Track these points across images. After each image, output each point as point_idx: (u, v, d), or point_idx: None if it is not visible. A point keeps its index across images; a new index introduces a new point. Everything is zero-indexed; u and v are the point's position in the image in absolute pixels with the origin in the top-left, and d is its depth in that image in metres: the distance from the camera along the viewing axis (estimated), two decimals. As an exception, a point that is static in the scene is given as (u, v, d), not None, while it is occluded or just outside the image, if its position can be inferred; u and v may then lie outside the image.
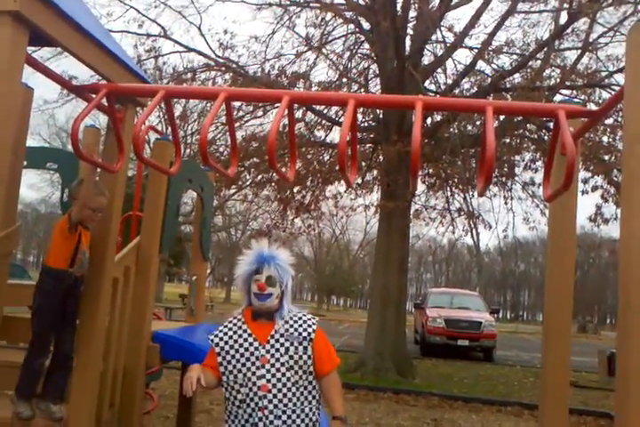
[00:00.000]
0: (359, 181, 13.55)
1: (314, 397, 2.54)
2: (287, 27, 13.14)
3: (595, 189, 11.30)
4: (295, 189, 12.89)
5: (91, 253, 3.16)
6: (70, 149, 2.78)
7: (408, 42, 12.20)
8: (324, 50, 13.10)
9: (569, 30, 11.46)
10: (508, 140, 12.00)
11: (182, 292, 29.74)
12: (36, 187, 34.86)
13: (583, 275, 63.72)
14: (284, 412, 2.44)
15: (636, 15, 10.16)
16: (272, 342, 2.52)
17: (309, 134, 13.13)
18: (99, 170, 3.12)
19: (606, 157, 10.73)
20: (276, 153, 10.81)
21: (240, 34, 32.10)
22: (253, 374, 2.47)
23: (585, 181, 11.26)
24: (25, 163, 4.38)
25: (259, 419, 2.42)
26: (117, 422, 3.86)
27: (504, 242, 15.97)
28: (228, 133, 9.97)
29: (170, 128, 3.15)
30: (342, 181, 11.85)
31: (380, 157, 13.04)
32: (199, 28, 13.78)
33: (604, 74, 11.60)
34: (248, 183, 13.41)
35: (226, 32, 13.05)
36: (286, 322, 2.58)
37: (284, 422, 2.43)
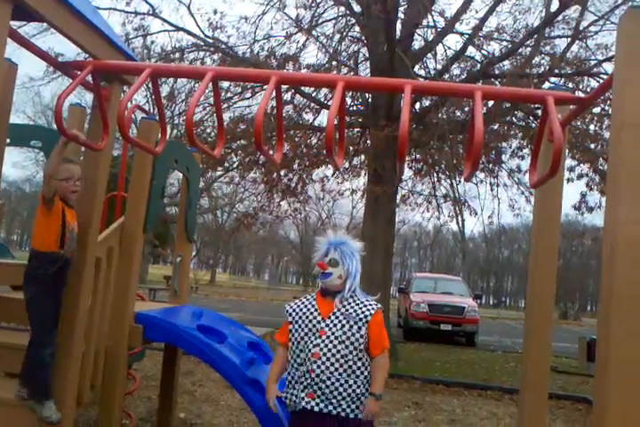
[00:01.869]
0: (346, 165, 13.54)
1: (362, 372, 2.87)
2: (277, 8, 12.99)
3: (580, 177, 11.37)
4: (282, 172, 12.84)
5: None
6: (55, 127, 2.72)
7: (399, 26, 12.11)
8: (314, 32, 12.97)
9: (559, 18, 11.44)
10: (495, 127, 12.02)
11: (167, 273, 29.68)
12: (21, 165, 34.61)
13: (565, 263, 64.38)
14: (328, 378, 2.82)
15: (626, 3, 10.15)
16: (332, 317, 2.92)
17: (297, 117, 13.05)
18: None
19: (592, 146, 10.78)
20: (264, 135, 10.77)
21: (230, 14, 31.79)
22: (311, 342, 2.89)
23: (571, 170, 11.33)
24: (8, 140, 4.32)
25: (305, 379, 2.86)
26: (99, 404, 3.86)
27: (489, 228, 16.05)
28: (215, 115, 9.90)
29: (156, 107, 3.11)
30: (329, 165, 11.84)
31: (368, 142, 13.01)
32: (188, 8, 13.58)
33: (592, 62, 11.61)
34: (235, 165, 13.34)
35: (215, 12, 12.85)
36: (348, 303, 2.97)
37: (327, 386, 2.81)
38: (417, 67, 12.48)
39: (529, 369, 2.71)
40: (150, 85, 3.42)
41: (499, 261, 78.63)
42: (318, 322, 2.93)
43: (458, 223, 13.77)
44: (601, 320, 2.00)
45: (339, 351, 2.84)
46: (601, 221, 2.17)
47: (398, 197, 13.06)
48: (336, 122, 2.76)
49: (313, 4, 12.54)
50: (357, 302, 2.98)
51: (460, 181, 12.45)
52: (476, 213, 12.89)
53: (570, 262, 66.21)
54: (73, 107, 4.92)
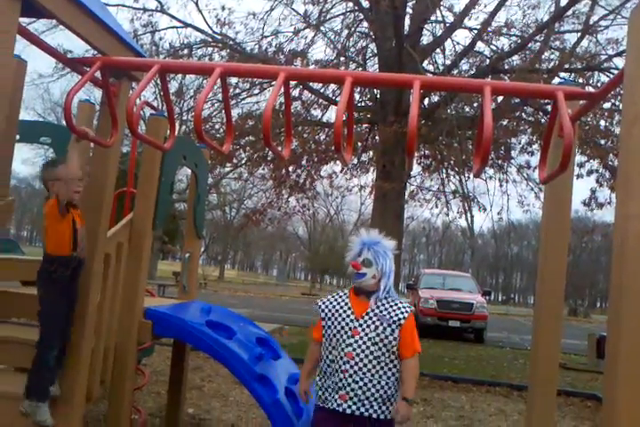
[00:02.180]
0: (355, 161, 13.53)
1: (393, 374, 2.89)
2: (285, 4, 12.99)
3: (590, 173, 11.32)
4: (290, 168, 12.85)
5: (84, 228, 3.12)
6: (64, 123, 2.73)
7: (407, 21, 12.08)
8: (322, 28, 12.96)
9: (569, 12, 11.37)
10: (505, 123, 11.97)
11: (176, 269, 29.80)
12: (31, 162, 34.70)
13: (575, 259, 64.11)
14: (361, 379, 2.83)
15: (637, -2, 10.06)
16: (366, 318, 2.91)
17: (306, 113, 13.05)
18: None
19: (603, 142, 10.72)
20: (272, 131, 10.78)
21: (238, 10, 31.81)
22: (344, 341, 2.89)
23: (580, 166, 11.28)
24: (18, 137, 4.34)
25: (339, 379, 2.86)
26: (108, 399, 3.88)
27: (498, 225, 16.05)
28: (223, 111, 9.89)
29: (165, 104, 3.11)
30: (338, 161, 11.83)
31: (377, 138, 12.99)
32: (196, 4, 13.61)
33: (603, 57, 11.54)
34: (243, 161, 13.36)
35: (223, 8, 12.86)
36: (382, 304, 2.96)
37: (360, 387, 2.83)
38: (425, 62, 12.46)
39: (538, 366, 2.70)
40: (159, 82, 3.42)
41: (507, 258, 78.42)
42: (352, 321, 2.92)
43: (467, 219, 13.74)
44: (611, 316, 1.99)
45: (372, 353, 2.86)
46: (611, 218, 2.16)
47: (407, 193, 13.04)
48: (344, 118, 2.76)
49: (321, 0, 12.52)
50: (391, 303, 2.98)
51: (468, 177, 12.42)
52: (485, 210, 12.87)
53: (579, 259, 65.94)
54: (82, 103, 4.93)
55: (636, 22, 2.01)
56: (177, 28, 13.54)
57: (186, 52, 12.92)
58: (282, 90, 2.59)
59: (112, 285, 3.63)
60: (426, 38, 12.86)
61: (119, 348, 3.73)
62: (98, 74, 2.90)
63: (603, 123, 10.90)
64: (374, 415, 2.84)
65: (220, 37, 12.96)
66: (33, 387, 2.94)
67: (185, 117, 14.41)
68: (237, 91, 12.84)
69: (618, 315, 1.92)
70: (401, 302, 3.01)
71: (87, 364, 3.16)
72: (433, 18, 12.31)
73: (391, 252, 3.05)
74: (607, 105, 10.61)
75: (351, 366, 2.84)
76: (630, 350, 1.87)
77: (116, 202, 4.24)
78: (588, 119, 11.00)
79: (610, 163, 10.69)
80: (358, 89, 12.90)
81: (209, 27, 13.01)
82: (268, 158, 12.46)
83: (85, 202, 3.14)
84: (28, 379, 2.96)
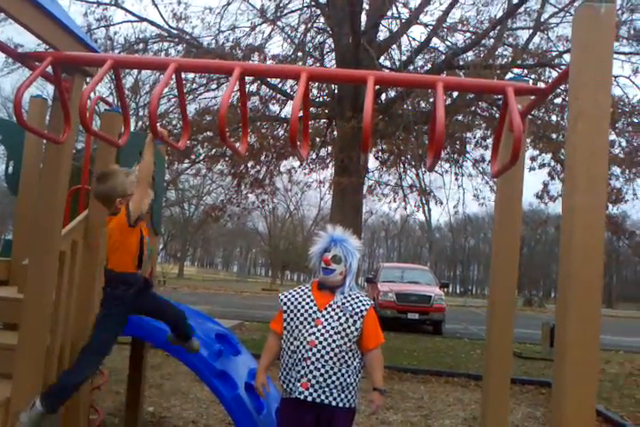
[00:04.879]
0: (314, 156, 13.56)
1: (352, 362, 2.96)
2: (242, -2, 12.89)
3: (542, 166, 11.60)
4: (249, 164, 12.81)
5: (37, 225, 3.07)
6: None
7: (364, 17, 12.14)
8: (279, 23, 12.92)
9: (521, 9, 11.61)
10: (460, 118, 12.15)
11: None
12: (-21, 159, 33.65)
13: (530, 251, 65.56)
14: (322, 366, 2.89)
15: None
16: (329, 309, 2.99)
17: (264, 108, 13.01)
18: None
19: (554, 136, 10.99)
20: (230, 127, 10.69)
21: (194, 4, 31.37)
22: (307, 331, 2.94)
23: (533, 159, 11.56)
24: (-34, 133, 4.23)
25: (302, 367, 2.90)
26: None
27: (454, 218, 16.30)
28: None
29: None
30: (296, 157, 11.83)
31: (335, 133, 13.04)
32: (151, -3, 13.38)
33: (554, 54, 11.81)
34: (201, 157, 13.24)
35: (179, 2, 12.68)
36: (345, 297, 3.03)
37: (322, 374, 2.88)
38: (382, 58, 12.55)
39: (492, 354, 2.77)
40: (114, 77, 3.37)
41: (465, 251, 79.79)
42: (314, 312, 2.98)
43: (424, 213, 13.95)
44: (559, 305, 2.06)
45: (334, 341, 2.91)
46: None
47: (365, 187, 13.14)
48: (301, 113, 2.77)
49: (278, -5, 12.48)
50: (353, 296, 3.05)
51: (425, 172, 12.58)
52: (442, 203, 13.06)
53: (534, 250, 67.49)
54: (34, 99, 4.83)
55: (579, 20, 2.09)
56: (132, 22, 13.29)
57: (141, 46, 12.70)
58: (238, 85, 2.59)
59: (67, 282, 3.57)
60: (382, 34, 12.95)
61: (75, 346, 3.67)
62: (49, 69, 2.84)
63: (554, 118, 11.17)
64: (334, 403, 2.89)
65: (176, 32, 12.79)
66: (51, 398, 2.87)
67: (141, 113, 14.21)
68: (195, 86, 12.72)
69: (565, 304, 1.99)
70: (362, 296, 3.09)
71: (41, 363, 3.10)
72: (389, 14, 12.39)
73: (357, 251, 3.11)
74: (558, 100, 10.88)
75: (313, 354, 2.89)
76: (577, 337, 1.94)
77: (70, 199, 4.17)
78: (541, 114, 11.27)
79: (561, 157, 10.96)
80: (316, 84, 12.93)
81: (165, 21, 12.83)
82: (227, 154, 12.39)
83: (38, 199, 3.08)
84: (51, 389, 2.92)
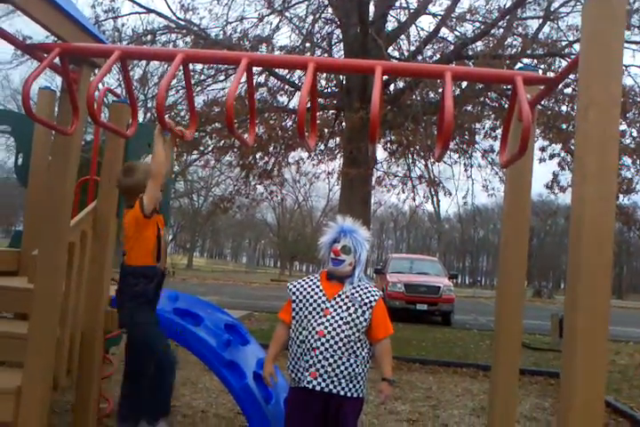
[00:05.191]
0: (322, 147, 13.53)
1: (360, 353, 2.95)
2: (249, -12, 12.84)
3: (552, 157, 11.53)
4: (258, 155, 12.80)
5: (46, 217, 3.09)
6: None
7: (372, 7, 12.06)
8: (287, 13, 12.86)
9: (531, -2, 11.50)
10: (469, 108, 12.08)
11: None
12: (-11, 150, 33.79)
13: (539, 242, 65.37)
14: (331, 356, 2.89)
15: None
16: (338, 299, 2.98)
17: (272, 99, 12.97)
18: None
19: (564, 126, 10.91)
20: (238, 118, 10.67)
21: (201, -5, 31.19)
22: (315, 321, 2.94)
23: (543, 149, 11.47)
24: (-24, 125, 4.25)
25: (310, 357, 2.90)
26: (75, 389, 3.86)
27: (463, 209, 16.23)
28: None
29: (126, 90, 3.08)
30: (304, 148, 11.81)
31: (343, 124, 13.00)
32: (159, -12, 13.35)
33: (564, 43, 11.71)
34: (210, 149, 13.25)
35: (187, -7, 12.65)
36: (354, 288, 3.02)
37: (330, 364, 2.88)
38: (391, 48, 12.47)
39: (500, 345, 2.77)
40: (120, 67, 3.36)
41: (474, 242, 79.59)
42: (323, 302, 2.98)
43: (433, 204, 13.90)
44: (568, 296, 2.05)
45: (343, 331, 2.91)
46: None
47: (374, 178, 13.10)
48: (308, 104, 2.76)
49: (285, -15, 12.42)
50: (362, 287, 3.05)
51: (434, 162, 12.52)
52: (451, 194, 13.01)
53: (544, 242, 67.29)
54: (42, 90, 4.85)
55: (588, 9, 2.07)
56: (140, 13, 13.27)
57: (149, 38, 12.68)
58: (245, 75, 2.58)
59: (77, 273, 3.60)
60: (391, 24, 12.88)
61: (85, 337, 3.71)
62: (57, 60, 2.85)
63: (564, 108, 11.09)
64: (342, 393, 2.90)
65: (183, 23, 12.77)
66: (147, 411, 2.97)
67: (150, 104, 14.22)
68: (203, 77, 12.71)
69: (574, 294, 1.98)
70: (372, 287, 3.09)
71: (52, 353, 3.13)
72: (397, 4, 12.31)
73: (367, 242, 3.11)
74: (569, 90, 10.79)
75: (322, 344, 2.89)
76: (586, 327, 1.93)
77: (79, 190, 4.19)
78: (551, 104, 11.18)
79: (571, 147, 10.88)
80: (325, 75, 12.88)
81: (172, 12, 12.82)
82: (235, 146, 12.38)
83: (47, 191, 3.10)
84: (142, 405, 3.01)
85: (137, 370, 3.01)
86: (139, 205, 2.91)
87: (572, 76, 7.46)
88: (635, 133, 10.93)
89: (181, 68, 2.67)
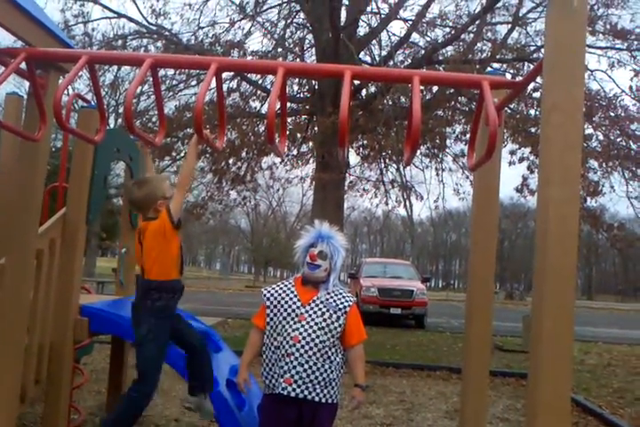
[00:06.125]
0: (295, 152, 13.55)
1: (335, 358, 2.95)
2: (221, -6, 12.83)
3: (522, 160, 11.69)
4: (230, 161, 12.75)
5: (13, 224, 3.04)
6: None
7: (343, 12, 12.14)
8: (258, 18, 12.87)
9: (500, 4, 11.67)
10: (440, 113, 12.20)
11: (115, 266, 29.10)
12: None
13: (511, 244, 66.16)
14: (306, 361, 2.87)
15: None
16: (312, 305, 2.96)
17: (244, 105, 12.96)
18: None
19: (533, 130, 11.08)
20: (210, 123, 10.62)
21: (173, 0, 31.05)
22: (290, 326, 2.91)
23: (512, 153, 11.63)
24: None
25: (285, 363, 2.88)
26: (45, 400, 3.79)
27: (436, 213, 16.38)
28: (159, 103, 9.65)
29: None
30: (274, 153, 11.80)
31: (316, 129, 13.03)
32: (130, -7, 13.25)
33: (532, 48, 11.90)
34: (182, 154, 13.16)
35: (158, -2, 12.58)
36: (328, 293, 3.02)
37: (305, 370, 2.86)
38: (362, 53, 12.55)
39: (471, 347, 2.80)
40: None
41: (447, 245, 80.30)
42: (298, 307, 2.95)
43: (406, 208, 13.98)
44: (535, 297, 2.08)
45: (318, 337, 2.89)
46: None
47: (346, 183, 13.15)
48: (279, 110, 2.77)
49: (257, -10, 12.43)
50: (336, 292, 3.04)
51: (405, 167, 12.61)
52: (423, 198, 13.11)
53: (515, 244, 68.09)
54: (9, 96, 4.76)
55: (552, 13, 2.10)
56: (110, 18, 13.18)
57: (120, 43, 12.58)
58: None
59: (45, 281, 3.54)
60: (362, 30, 12.96)
61: (55, 346, 3.65)
62: (24, 65, 2.81)
63: (533, 112, 11.26)
64: (317, 399, 2.88)
65: (155, 28, 12.69)
66: (118, 421, 2.88)
67: (120, 110, 14.09)
68: (174, 82, 12.64)
69: (541, 295, 2.01)
70: (344, 292, 3.08)
71: (19, 363, 3.07)
72: (368, 9, 12.39)
73: (343, 249, 3.10)
74: (537, 94, 10.96)
75: (297, 350, 2.87)
76: (552, 327, 1.97)
77: (48, 197, 4.13)
78: (520, 108, 11.35)
79: (540, 150, 11.06)
80: (297, 80, 12.90)
81: (143, 17, 12.73)
82: (208, 151, 12.33)
83: (15, 198, 3.05)
84: (118, 415, 2.93)
85: (140, 388, 2.99)
86: (166, 215, 2.86)
87: (539, 80, 7.58)
88: (601, 137, 11.14)
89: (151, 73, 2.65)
